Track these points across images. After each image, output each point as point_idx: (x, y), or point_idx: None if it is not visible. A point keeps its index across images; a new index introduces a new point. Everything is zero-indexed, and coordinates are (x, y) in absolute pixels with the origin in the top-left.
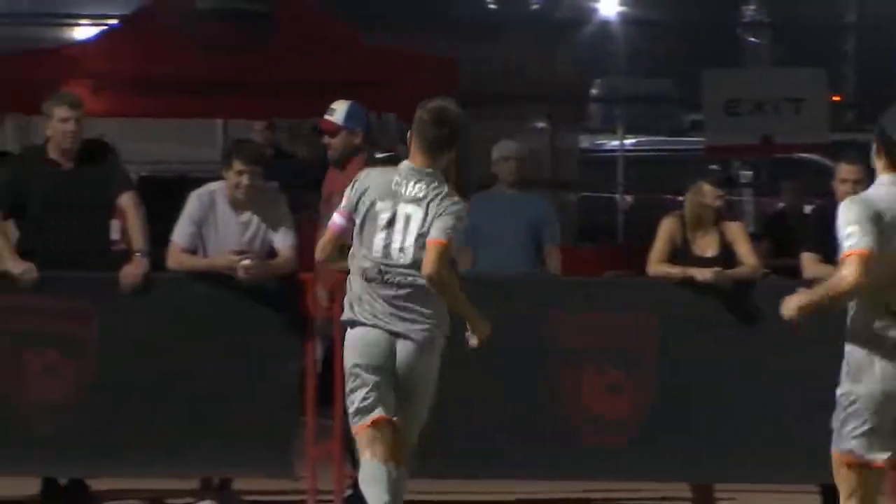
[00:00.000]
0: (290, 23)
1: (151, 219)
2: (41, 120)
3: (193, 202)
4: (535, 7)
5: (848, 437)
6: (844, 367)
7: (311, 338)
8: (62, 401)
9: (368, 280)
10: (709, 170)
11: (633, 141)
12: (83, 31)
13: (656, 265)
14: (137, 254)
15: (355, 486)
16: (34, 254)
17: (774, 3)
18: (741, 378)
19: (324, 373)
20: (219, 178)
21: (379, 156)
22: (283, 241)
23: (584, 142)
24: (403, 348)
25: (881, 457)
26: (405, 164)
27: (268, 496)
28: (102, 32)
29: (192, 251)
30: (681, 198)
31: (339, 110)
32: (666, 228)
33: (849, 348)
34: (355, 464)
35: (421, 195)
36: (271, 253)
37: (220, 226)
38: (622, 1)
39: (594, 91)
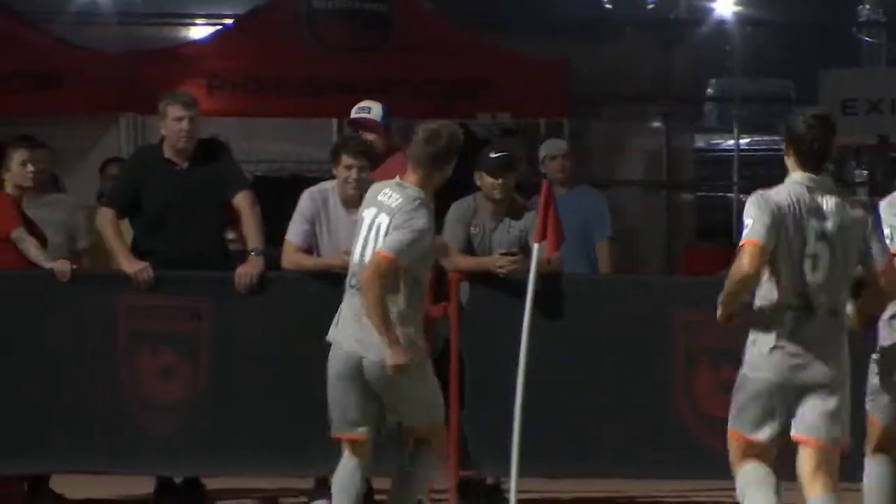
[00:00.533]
0: (404, 23)
1: (266, 218)
2: (156, 119)
3: (306, 200)
4: (650, 6)
5: (740, 417)
6: (746, 352)
7: (427, 338)
8: (177, 400)
9: (348, 287)
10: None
11: (748, 140)
12: (198, 31)
13: None
14: (252, 253)
15: (476, 485)
16: (149, 253)
17: (891, 2)
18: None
19: (438, 371)
20: (332, 177)
21: (493, 156)
22: None
23: (700, 141)
24: (368, 366)
25: (763, 437)
26: (396, 178)
27: (381, 494)
28: (217, 32)
29: (307, 250)
30: None
31: (374, 108)
32: None
33: (751, 336)
34: (470, 463)
35: (394, 206)
36: None
37: (333, 224)
38: (738, 1)
39: (710, 91)
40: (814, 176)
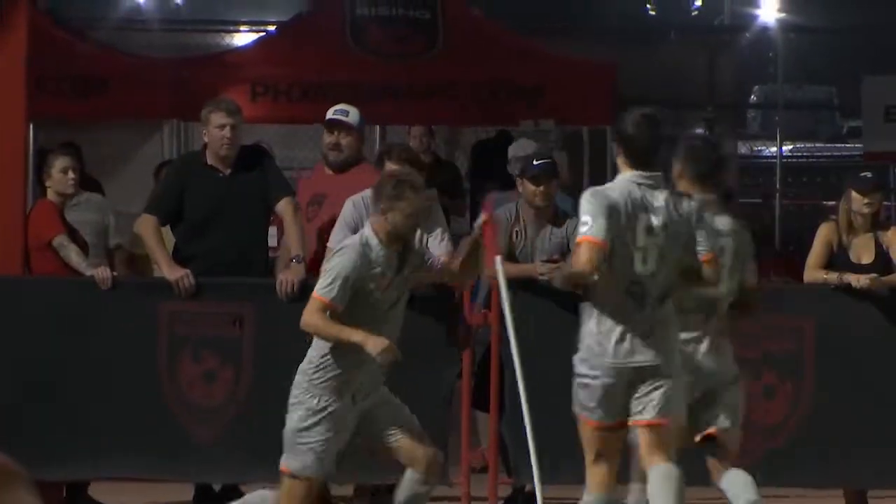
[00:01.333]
0: (450, 29)
1: None
2: (199, 126)
3: (349, 207)
4: (694, 13)
5: (580, 402)
6: (583, 339)
7: (467, 345)
8: (219, 406)
9: None
10: (858, 177)
11: (791, 147)
12: (242, 38)
13: (813, 271)
14: (294, 260)
15: (515, 493)
16: (191, 260)
17: None
18: None
19: (479, 380)
20: None
21: (536, 163)
22: (438, 247)
23: (743, 148)
24: None
25: (608, 421)
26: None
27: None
28: (261, 39)
29: None
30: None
31: (352, 112)
32: (823, 234)
33: (589, 326)
34: (509, 471)
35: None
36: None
37: None
38: (782, 7)
39: (753, 97)
40: (643, 173)
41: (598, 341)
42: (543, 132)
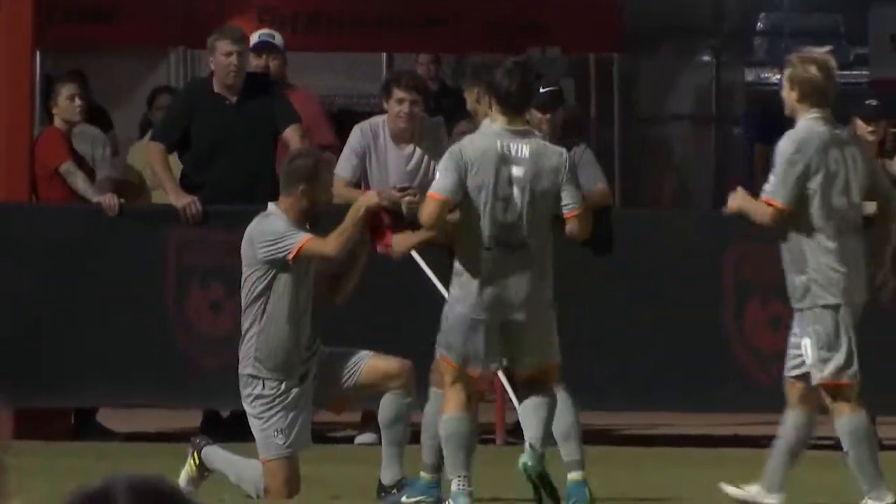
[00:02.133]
0: None
1: None
2: (205, 54)
3: (356, 134)
4: None
5: (450, 348)
6: (453, 287)
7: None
8: (226, 334)
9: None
10: (864, 105)
11: None
12: None
13: None
14: None
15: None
16: (199, 188)
17: None
18: None
19: None
20: (383, 111)
21: (542, 90)
22: None
23: (749, 75)
24: None
25: (474, 370)
26: None
27: None
28: None
29: (356, 184)
30: None
31: (277, 36)
32: None
33: (457, 272)
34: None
35: None
36: None
37: (382, 158)
38: None
39: (760, 25)
40: (512, 124)
41: (468, 291)
42: (550, 60)
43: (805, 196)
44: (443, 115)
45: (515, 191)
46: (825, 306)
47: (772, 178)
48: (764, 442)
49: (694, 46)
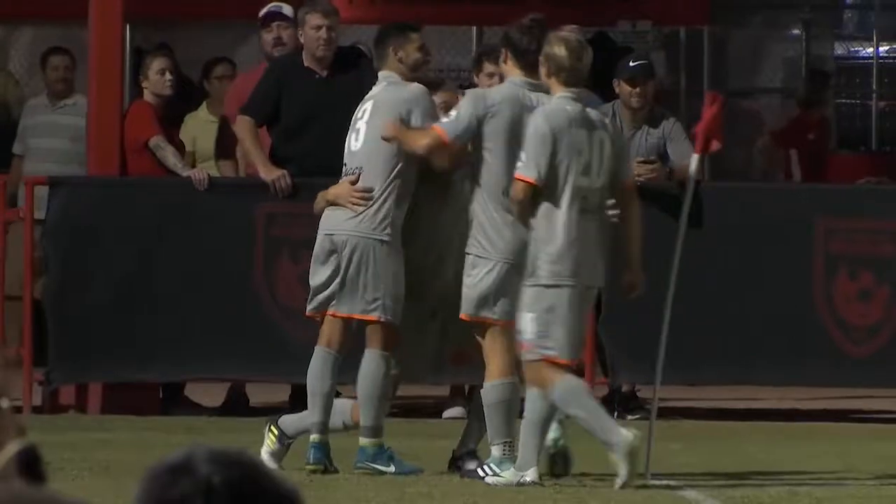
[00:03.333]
0: None
1: None
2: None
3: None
4: None
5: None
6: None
7: None
8: None
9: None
10: (627, 66)
11: (888, 48)
12: None
13: None
14: None
15: (612, 393)
16: (288, 161)
17: None
18: None
19: None
20: (473, 85)
21: (632, 64)
22: None
23: (839, 49)
24: None
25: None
26: None
27: None
28: None
29: None
30: None
31: (286, 7)
32: None
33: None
34: (606, 371)
35: None
36: None
37: None
38: None
39: None
40: (529, 77)
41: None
42: (640, 33)
43: (552, 173)
44: None
45: None
46: (548, 286)
47: (523, 154)
48: (853, 416)
49: (783, 19)
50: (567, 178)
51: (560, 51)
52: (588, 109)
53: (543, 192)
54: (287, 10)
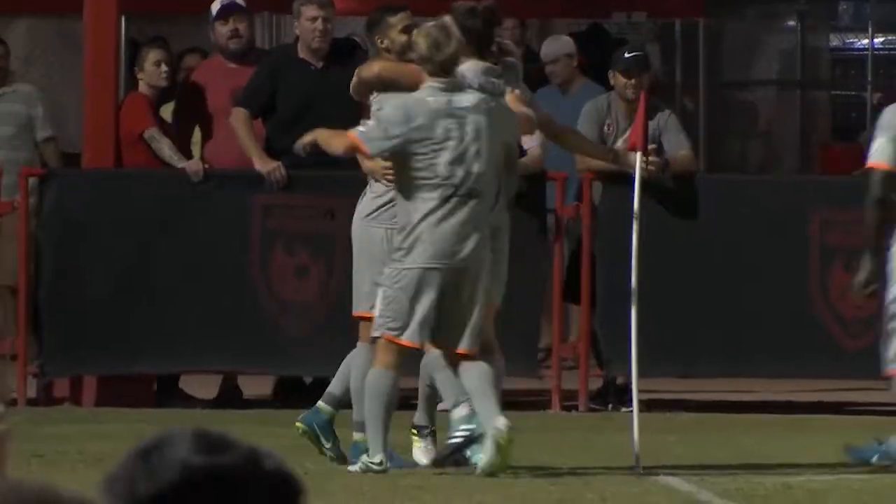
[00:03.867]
0: None
1: None
2: (291, 19)
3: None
4: None
5: None
6: None
7: (559, 237)
8: (311, 300)
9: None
10: (622, 57)
11: (883, 39)
12: None
13: None
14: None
15: (606, 385)
16: (283, 153)
17: None
18: None
19: (569, 272)
20: None
21: (627, 55)
22: (531, 140)
23: (835, 40)
24: None
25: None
26: None
27: (513, 396)
28: None
29: None
30: None
31: None
32: None
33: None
34: (601, 363)
35: None
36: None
37: None
38: None
39: None
40: (487, 63)
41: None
42: (635, 25)
43: (410, 159)
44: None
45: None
46: (410, 268)
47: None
48: (848, 408)
49: (779, 11)
50: (428, 164)
51: (420, 42)
52: (463, 96)
53: (406, 177)
54: (242, 1)
